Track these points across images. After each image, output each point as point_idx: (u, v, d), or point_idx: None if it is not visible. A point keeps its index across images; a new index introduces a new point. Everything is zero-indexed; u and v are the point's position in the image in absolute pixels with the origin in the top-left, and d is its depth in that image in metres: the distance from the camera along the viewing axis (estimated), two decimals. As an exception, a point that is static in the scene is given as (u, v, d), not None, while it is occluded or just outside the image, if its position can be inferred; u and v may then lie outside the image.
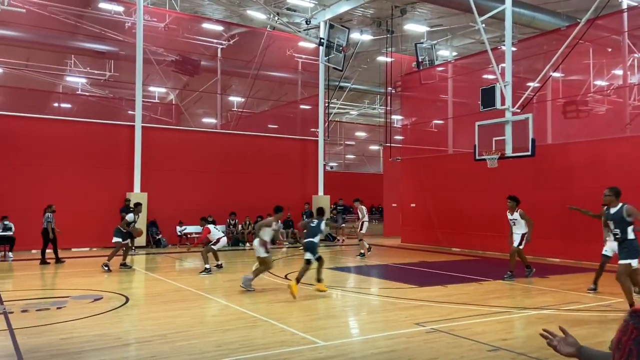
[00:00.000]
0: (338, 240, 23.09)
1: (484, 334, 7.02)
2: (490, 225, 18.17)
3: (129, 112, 21.24)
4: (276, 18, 22.44)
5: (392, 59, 24.67)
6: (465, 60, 23.86)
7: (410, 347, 6.42)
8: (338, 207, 21.42)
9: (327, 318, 8.30)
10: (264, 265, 10.64)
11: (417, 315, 8.20)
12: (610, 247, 9.97)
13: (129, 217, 13.56)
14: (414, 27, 25.43)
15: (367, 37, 26.49)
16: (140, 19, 20.01)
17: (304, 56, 26.15)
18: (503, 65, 14.98)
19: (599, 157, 15.62)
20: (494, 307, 8.84)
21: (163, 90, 27.21)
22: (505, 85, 14.19)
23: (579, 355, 2.42)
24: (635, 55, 18.29)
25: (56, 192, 18.12)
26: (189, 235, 20.55)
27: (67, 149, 18.90)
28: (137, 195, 19.24)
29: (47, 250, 14.78)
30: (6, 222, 16.12)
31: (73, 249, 17.46)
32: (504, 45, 15.69)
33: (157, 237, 19.84)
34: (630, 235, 7.48)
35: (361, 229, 17.07)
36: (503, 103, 14.19)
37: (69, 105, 26.37)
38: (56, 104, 25.70)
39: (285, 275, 12.56)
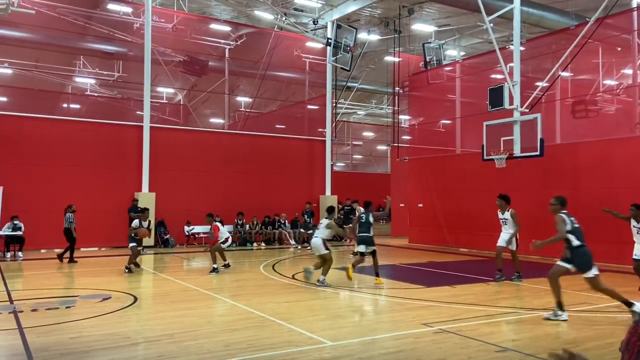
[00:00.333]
0: (345, 240, 23.07)
1: (492, 334, 6.99)
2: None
3: (137, 112, 21.34)
4: (284, 18, 22.46)
5: (400, 59, 24.62)
6: (473, 60, 23.78)
7: (417, 348, 6.40)
8: (345, 208, 21.41)
9: (334, 318, 8.29)
10: (328, 261, 11.13)
11: (424, 315, 8.18)
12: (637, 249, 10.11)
13: (134, 223, 13.31)
14: (422, 27, 25.37)
15: (374, 37, 26.45)
16: (148, 19, 20.11)
17: (311, 56, 26.16)
18: (511, 64, 14.91)
19: (608, 157, 15.51)
20: (502, 308, 8.81)
21: (171, 90, 27.32)
22: (513, 85, 14.12)
23: None
24: (645, 54, 18.15)
25: (65, 192, 18.24)
26: (196, 235, 20.63)
27: (76, 149, 19.02)
28: (145, 195, 19.34)
29: (59, 249, 14.93)
30: (16, 222, 16.24)
31: (82, 249, 17.55)
32: (512, 44, 15.63)
33: (165, 237, 19.91)
34: None
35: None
36: (511, 103, 14.12)
37: (77, 106, 26.54)
38: (65, 105, 25.87)
39: (293, 275, 12.57)
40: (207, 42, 24.45)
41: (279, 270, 13.76)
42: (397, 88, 24.78)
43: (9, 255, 16.01)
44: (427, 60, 24.07)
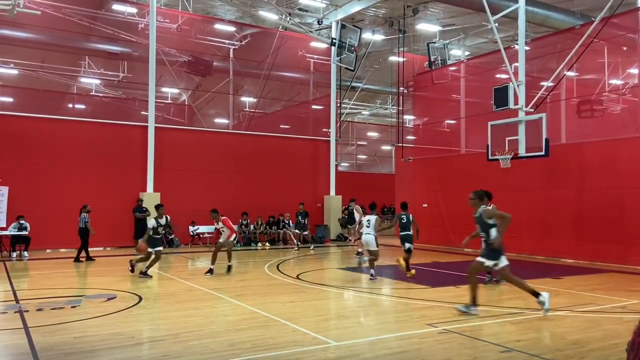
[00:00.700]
0: (349, 240, 23.06)
1: (497, 335, 6.98)
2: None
3: (142, 112, 21.40)
4: (288, 18, 22.47)
5: (404, 59, 24.59)
6: (477, 60, 23.73)
7: (422, 348, 6.39)
8: (349, 208, 21.39)
9: (338, 318, 8.29)
10: (376, 256, 12.14)
11: (429, 315, 8.17)
12: None
13: (151, 223, 12.49)
14: (426, 27, 25.33)
15: (379, 37, 26.44)
16: (153, 20, 20.16)
17: (315, 56, 26.16)
18: (516, 64, 14.86)
19: (613, 157, 15.45)
20: (507, 308, 8.79)
21: (176, 91, 27.35)
22: (518, 85, 14.08)
23: None
24: (651, 53, 18.07)
25: (70, 192, 18.34)
26: (201, 235, 20.67)
27: (81, 150, 19.09)
28: (149, 195, 19.39)
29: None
30: (22, 222, 16.32)
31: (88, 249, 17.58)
32: (517, 44, 15.58)
33: (170, 237, 19.96)
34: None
35: (359, 229, 17.08)
36: (516, 103, 14.08)
37: (83, 106, 26.59)
38: (70, 105, 25.92)
39: (297, 275, 12.59)
40: (211, 42, 24.48)
41: (284, 270, 13.78)
42: (401, 88, 24.76)
43: (14, 255, 16.08)
44: (432, 60, 24.04)
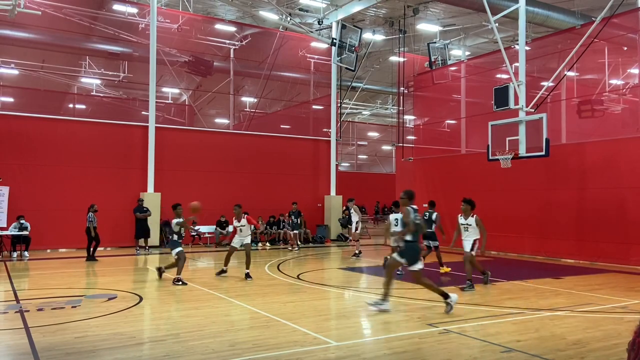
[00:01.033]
0: (349, 241, 23.07)
1: (497, 335, 6.98)
2: (504, 226, 18.05)
3: (143, 112, 21.41)
4: (288, 18, 22.48)
5: (405, 59, 24.60)
6: (478, 60, 23.73)
7: (422, 348, 6.40)
8: (349, 208, 21.44)
9: (339, 318, 8.30)
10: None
11: (429, 316, 8.17)
12: None
13: (174, 223, 11.83)
14: (427, 27, 25.33)
15: (379, 37, 26.44)
16: (153, 20, 20.17)
17: (316, 56, 26.16)
18: (516, 64, 14.87)
19: (614, 157, 15.45)
20: (507, 308, 8.79)
21: (176, 91, 27.38)
22: (518, 85, 14.08)
23: None
24: (652, 53, 18.08)
25: (70, 192, 18.36)
26: (202, 235, 20.68)
27: (82, 150, 19.09)
28: (150, 195, 19.40)
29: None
30: (22, 222, 16.33)
31: (87, 249, 17.62)
32: (517, 44, 15.58)
33: (170, 237, 19.93)
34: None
35: (356, 230, 17.11)
36: (517, 103, 14.07)
37: (83, 106, 26.61)
38: (71, 105, 25.95)
39: (298, 276, 12.59)
40: (212, 42, 24.49)
41: (284, 270, 13.78)
42: (402, 88, 24.76)
43: (15, 255, 16.09)
44: (432, 60, 24.04)
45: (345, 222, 21.95)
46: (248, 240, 12.48)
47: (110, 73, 24.88)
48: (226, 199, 20.76)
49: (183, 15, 22.61)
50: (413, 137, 25.63)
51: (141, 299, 9.54)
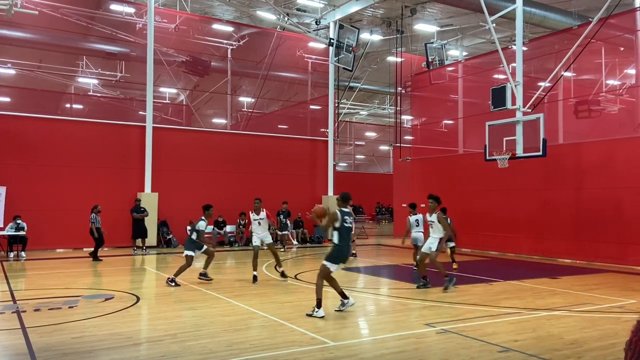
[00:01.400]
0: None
1: (495, 335, 6.99)
2: (501, 226, 18.10)
3: (140, 112, 21.37)
4: (286, 19, 22.47)
5: (402, 59, 24.62)
6: (475, 60, 23.77)
7: (420, 348, 6.40)
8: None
9: (336, 318, 8.29)
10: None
11: (427, 315, 8.18)
12: None
13: (201, 225, 11.30)
14: (424, 27, 25.36)
15: (377, 37, 26.45)
16: (151, 20, 20.14)
17: (313, 56, 26.17)
18: (514, 64, 14.89)
19: (611, 157, 15.49)
20: (505, 308, 8.80)
21: (174, 91, 27.35)
22: (516, 85, 14.11)
23: None
24: (648, 54, 18.13)
25: (68, 192, 18.32)
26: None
27: (79, 150, 19.05)
28: (147, 195, 19.38)
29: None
30: (19, 222, 16.28)
31: (84, 249, 17.59)
32: (514, 44, 15.61)
33: (168, 237, 19.94)
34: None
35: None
36: (514, 103, 14.10)
37: (80, 106, 26.58)
38: (68, 105, 25.91)
39: (295, 276, 12.59)
40: (209, 42, 24.47)
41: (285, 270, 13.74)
42: (399, 88, 24.79)
43: (12, 255, 16.03)
44: (430, 60, 24.07)
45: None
46: (269, 239, 12.00)
47: (108, 73, 24.84)
48: (223, 198, 20.76)
49: (180, 15, 22.59)
50: (410, 137, 25.67)
51: (138, 299, 9.53)
